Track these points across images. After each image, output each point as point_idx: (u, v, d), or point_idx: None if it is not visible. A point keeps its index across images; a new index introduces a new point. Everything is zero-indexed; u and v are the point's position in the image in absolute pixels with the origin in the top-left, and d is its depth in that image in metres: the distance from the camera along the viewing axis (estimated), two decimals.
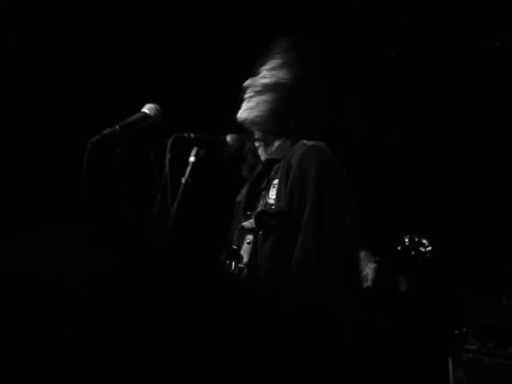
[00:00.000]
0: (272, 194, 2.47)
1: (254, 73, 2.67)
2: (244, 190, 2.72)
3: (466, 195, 4.89)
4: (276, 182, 2.45)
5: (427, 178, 5.16)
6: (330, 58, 2.68)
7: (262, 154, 2.67)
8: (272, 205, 2.43)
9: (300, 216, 2.37)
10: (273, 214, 2.41)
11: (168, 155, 2.60)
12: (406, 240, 3.74)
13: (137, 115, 2.55)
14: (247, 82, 2.64)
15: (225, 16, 4.56)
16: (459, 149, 4.97)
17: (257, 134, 2.66)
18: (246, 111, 2.61)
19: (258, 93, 2.60)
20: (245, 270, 2.49)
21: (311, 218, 2.34)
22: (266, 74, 2.63)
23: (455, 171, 4.99)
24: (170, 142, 2.61)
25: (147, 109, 2.55)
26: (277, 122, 2.57)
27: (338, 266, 2.32)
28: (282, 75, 2.58)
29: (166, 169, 2.59)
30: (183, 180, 2.64)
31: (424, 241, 3.76)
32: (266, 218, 2.44)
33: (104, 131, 2.41)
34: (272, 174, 2.50)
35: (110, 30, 4.25)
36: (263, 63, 2.66)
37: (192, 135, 2.67)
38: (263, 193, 2.51)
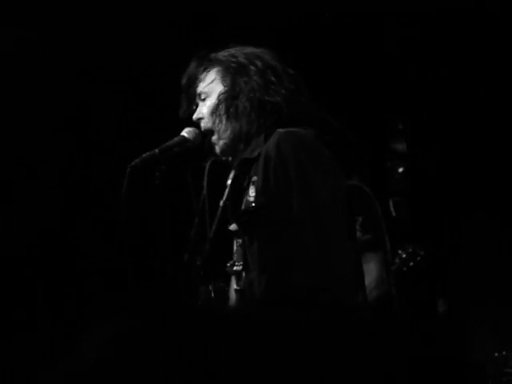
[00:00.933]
0: (252, 191, 2.41)
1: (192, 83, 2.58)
2: (226, 193, 2.64)
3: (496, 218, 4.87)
4: (255, 178, 2.39)
5: (458, 200, 5.14)
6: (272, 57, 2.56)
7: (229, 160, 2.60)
8: (252, 202, 2.39)
9: (286, 204, 2.31)
10: (253, 211, 2.37)
11: (206, 178, 2.60)
12: (400, 252, 3.76)
13: (175, 139, 2.54)
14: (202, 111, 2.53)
15: None
16: (492, 171, 4.96)
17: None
18: (215, 136, 2.51)
19: (216, 113, 2.49)
20: (243, 274, 2.47)
21: (302, 203, 2.29)
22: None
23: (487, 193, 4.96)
24: (207, 165, 2.61)
25: (186, 132, 2.54)
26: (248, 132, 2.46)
27: (341, 248, 2.30)
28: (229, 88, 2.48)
29: (204, 191, 2.58)
30: (221, 203, 2.60)
31: (418, 251, 3.78)
32: (247, 218, 2.41)
33: (143, 155, 2.43)
34: (252, 172, 2.43)
35: (148, 54, 4.33)
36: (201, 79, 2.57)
37: (230, 159, 2.61)
38: (245, 192, 2.45)
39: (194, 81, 2.55)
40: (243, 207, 2.39)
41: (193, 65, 2.55)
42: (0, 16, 4.13)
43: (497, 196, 4.85)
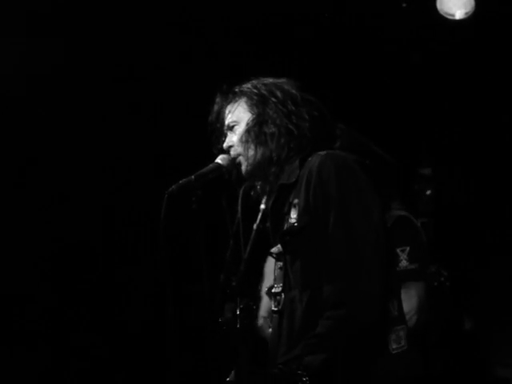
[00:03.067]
0: (293, 213, 2.43)
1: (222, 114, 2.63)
2: (259, 217, 2.65)
3: None
4: (296, 201, 2.42)
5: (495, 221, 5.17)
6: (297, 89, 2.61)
7: (259, 185, 2.63)
8: (294, 223, 2.40)
9: (325, 225, 2.33)
10: (296, 231, 2.39)
11: (240, 203, 2.62)
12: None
13: (211, 166, 2.58)
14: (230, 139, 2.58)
15: None
16: None
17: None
18: (245, 162, 2.56)
19: (246, 140, 2.55)
20: (282, 295, 2.48)
21: (339, 223, 2.31)
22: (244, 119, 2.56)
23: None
24: (241, 190, 2.64)
25: (220, 159, 2.59)
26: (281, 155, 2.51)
27: (375, 264, 2.28)
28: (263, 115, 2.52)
29: (238, 215, 2.60)
30: (255, 226, 2.63)
31: (442, 271, 3.81)
32: (289, 238, 2.42)
33: (180, 181, 2.47)
34: (292, 197, 2.46)
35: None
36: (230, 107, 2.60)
37: (259, 183, 2.65)
38: (286, 217, 2.47)
39: (220, 115, 2.63)
40: (286, 228, 2.41)
41: (217, 100, 2.63)
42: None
43: None
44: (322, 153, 2.38)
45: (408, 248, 3.22)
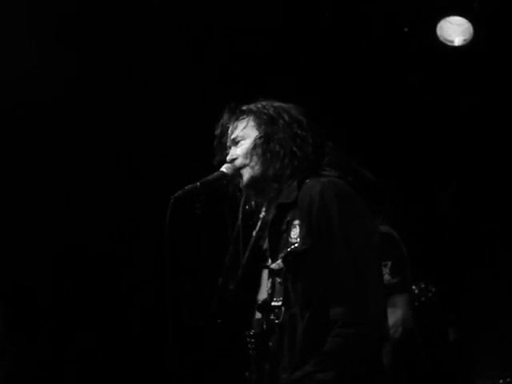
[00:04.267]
0: (294, 233, 2.47)
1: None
2: (259, 224, 2.69)
3: None
4: (297, 222, 2.46)
5: (479, 237, 5.21)
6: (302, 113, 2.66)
7: (257, 197, 2.68)
8: (295, 243, 2.45)
9: (329, 250, 2.39)
10: (300, 253, 2.42)
11: (241, 210, 2.69)
12: (414, 287, 3.80)
13: (215, 174, 2.62)
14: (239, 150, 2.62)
15: None
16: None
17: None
18: (247, 174, 2.60)
19: (252, 154, 2.58)
20: (282, 309, 2.50)
21: (343, 250, 2.37)
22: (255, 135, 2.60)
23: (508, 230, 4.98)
24: (243, 199, 2.69)
25: (225, 168, 2.62)
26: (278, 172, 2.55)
27: (376, 287, 2.37)
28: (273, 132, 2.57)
29: (239, 222, 2.67)
30: (254, 233, 2.68)
31: (430, 287, 3.84)
32: (292, 258, 2.45)
33: (186, 187, 2.53)
34: (289, 215, 2.50)
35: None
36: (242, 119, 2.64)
37: (256, 195, 2.71)
38: (284, 235, 2.51)
39: (226, 129, 2.68)
40: (288, 248, 2.46)
41: (225, 116, 2.68)
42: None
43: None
44: (323, 179, 2.45)
45: (390, 263, 3.28)
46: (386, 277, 3.22)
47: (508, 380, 4.00)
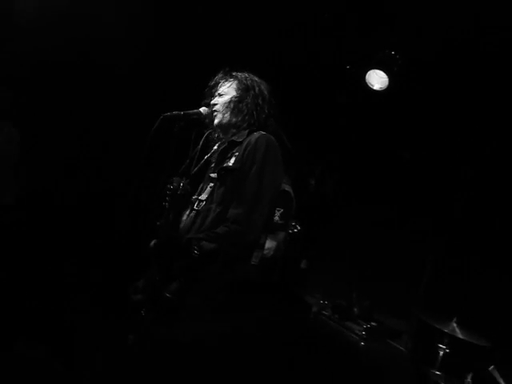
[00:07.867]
0: (232, 160, 2.85)
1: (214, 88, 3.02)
2: (211, 152, 3.02)
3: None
4: (237, 154, 2.85)
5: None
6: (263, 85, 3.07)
7: (220, 134, 3.04)
8: (230, 165, 2.82)
9: (247, 173, 2.75)
10: (229, 170, 2.81)
11: (203, 139, 3.12)
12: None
13: (195, 110, 3.09)
14: (215, 100, 2.99)
15: None
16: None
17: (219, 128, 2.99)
18: (219, 118, 2.97)
19: (227, 106, 2.95)
20: (202, 203, 2.87)
21: (255, 175, 2.74)
22: (229, 91, 2.99)
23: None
24: (207, 132, 3.14)
25: (202, 109, 3.13)
26: (239, 122, 2.95)
27: (264, 209, 2.74)
28: (239, 93, 2.97)
29: (199, 146, 3.13)
30: (205, 156, 3.15)
31: (298, 226, 4.25)
32: (224, 172, 2.84)
33: (174, 112, 2.92)
34: (235, 150, 2.88)
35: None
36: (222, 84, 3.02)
37: (219, 133, 3.12)
38: (227, 160, 2.87)
39: (217, 83, 3.15)
40: (223, 165, 2.89)
41: (219, 75, 3.16)
42: None
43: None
44: (263, 132, 2.93)
45: (282, 210, 3.60)
46: (276, 218, 3.54)
47: (325, 302, 4.57)
